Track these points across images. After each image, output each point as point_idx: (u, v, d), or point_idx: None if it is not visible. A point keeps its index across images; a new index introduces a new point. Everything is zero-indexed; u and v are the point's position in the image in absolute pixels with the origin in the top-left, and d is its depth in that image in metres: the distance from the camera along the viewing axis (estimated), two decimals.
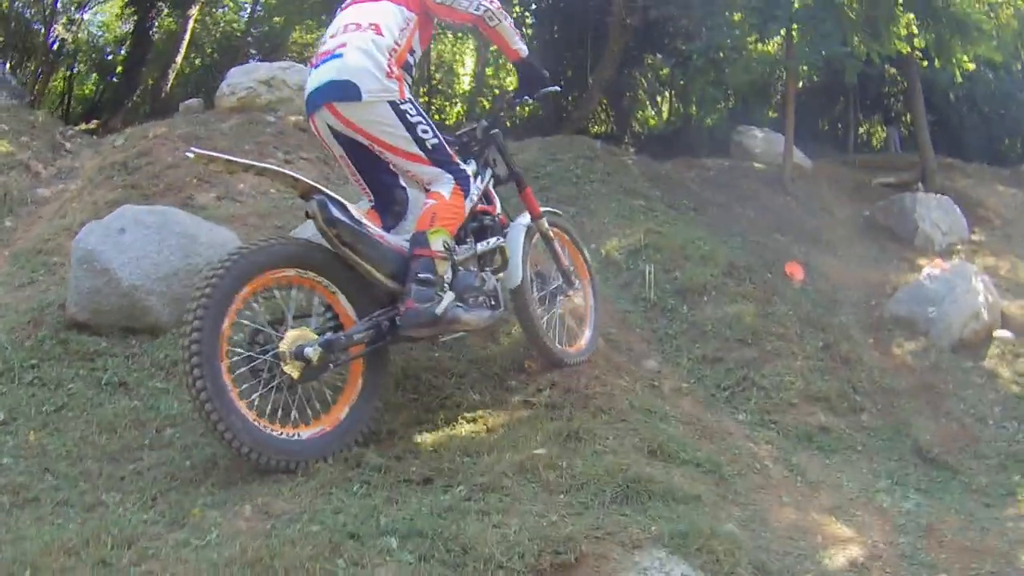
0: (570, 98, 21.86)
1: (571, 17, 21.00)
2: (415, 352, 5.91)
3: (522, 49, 5.33)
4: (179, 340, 4.39)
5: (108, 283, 5.75)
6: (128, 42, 25.12)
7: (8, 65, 22.55)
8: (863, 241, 12.74)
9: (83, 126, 14.84)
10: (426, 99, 28.69)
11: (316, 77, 4.83)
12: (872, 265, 11.62)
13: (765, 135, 16.25)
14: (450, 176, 4.89)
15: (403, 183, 5.33)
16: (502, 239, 5.45)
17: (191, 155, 4.30)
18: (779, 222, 12.09)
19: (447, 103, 29.60)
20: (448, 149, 4.97)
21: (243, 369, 4.35)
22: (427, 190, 4.92)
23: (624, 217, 10.51)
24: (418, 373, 5.77)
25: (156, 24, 24.14)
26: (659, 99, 26.97)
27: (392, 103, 4.69)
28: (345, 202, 4.59)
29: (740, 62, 14.94)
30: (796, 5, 12.31)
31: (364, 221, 4.69)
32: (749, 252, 10.34)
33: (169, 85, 22.50)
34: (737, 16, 13.92)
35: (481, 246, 5.29)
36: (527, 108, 25.16)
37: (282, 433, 4.33)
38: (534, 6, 22.78)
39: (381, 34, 4.76)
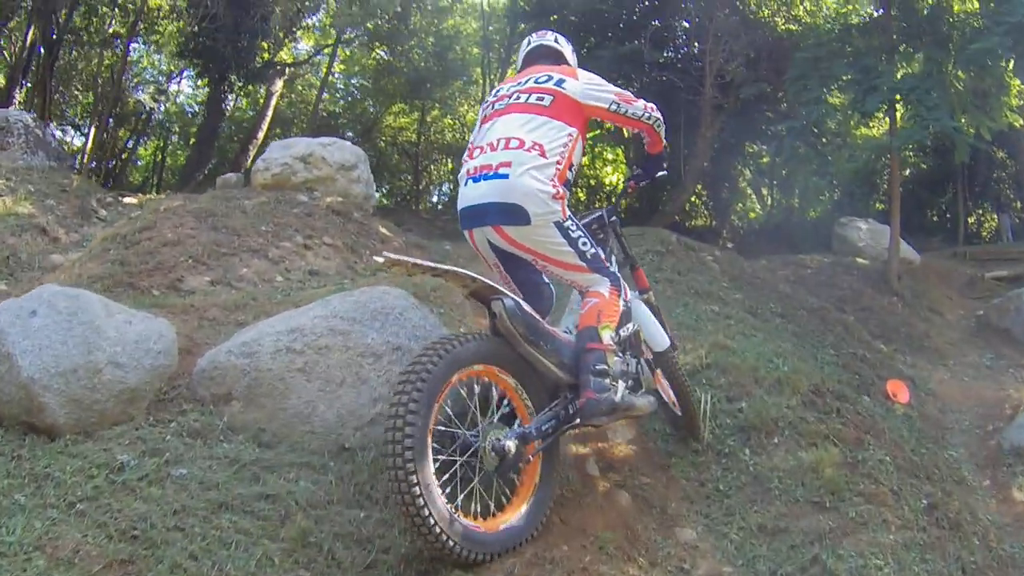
0: (667, 190, 20.80)
1: (661, 100, 19.86)
2: None
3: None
4: (386, 433, 4.10)
5: (9, 370, 5.06)
6: (201, 114, 25.25)
7: (92, 129, 22.85)
8: (976, 346, 11.16)
9: (125, 195, 14.36)
10: None
11: (477, 194, 4.84)
12: (987, 377, 9.95)
13: (870, 226, 15.12)
14: (607, 279, 5.05)
15: (547, 279, 5.41)
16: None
17: (380, 259, 4.40)
18: (882, 327, 10.57)
19: None
20: (602, 254, 5.13)
21: (442, 459, 4.32)
22: (586, 291, 5.07)
23: (689, 327, 8.92)
24: None
25: (230, 98, 23.99)
26: (763, 190, 25.68)
27: (557, 223, 4.79)
28: (522, 301, 4.70)
29: (844, 149, 13.73)
30: (897, 76, 10.96)
31: (540, 319, 4.80)
32: (842, 369, 8.74)
33: (250, 160, 22.29)
34: (836, 98, 12.68)
35: (623, 332, 5.26)
36: (624, 201, 24.49)
37: (479, 526, 4.36)
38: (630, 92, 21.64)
39: (545, 156, 4.74)
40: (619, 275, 5.29)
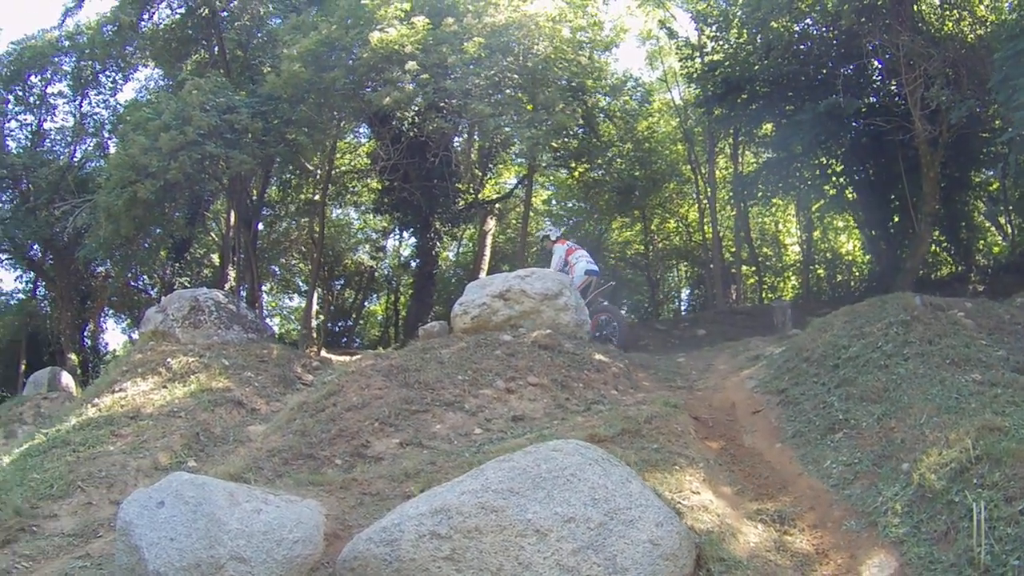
0: (904, 246, 19.08)
1: (878, 149, 18.52)
2: None
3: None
4: None
5: (138, 563, 5.00)
6: (413, 266, 25.73)
7: (315, 293, 23.71)
8: None
9: (336, 356, 14.38)
10: (755, 279, 26.97)
11: (590, 265, 13.84)
12: None
13: None
14: None
15: None
16: None
17: None
18: None
19: (778, 279, 27.96)
20: None
21: None
22: None
23: (949, 410, 7.20)
24: None
25: (439, 245, 24.29)
26: (1000, 219, 23.01)
27: None
28: None
29: None
30: None
31: None
32: None
33: None
34: None
35: None
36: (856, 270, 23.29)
37: None
38: (840, 151, 20.50)
39: None
40: None
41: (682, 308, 29.69)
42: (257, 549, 4.82)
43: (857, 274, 25.13)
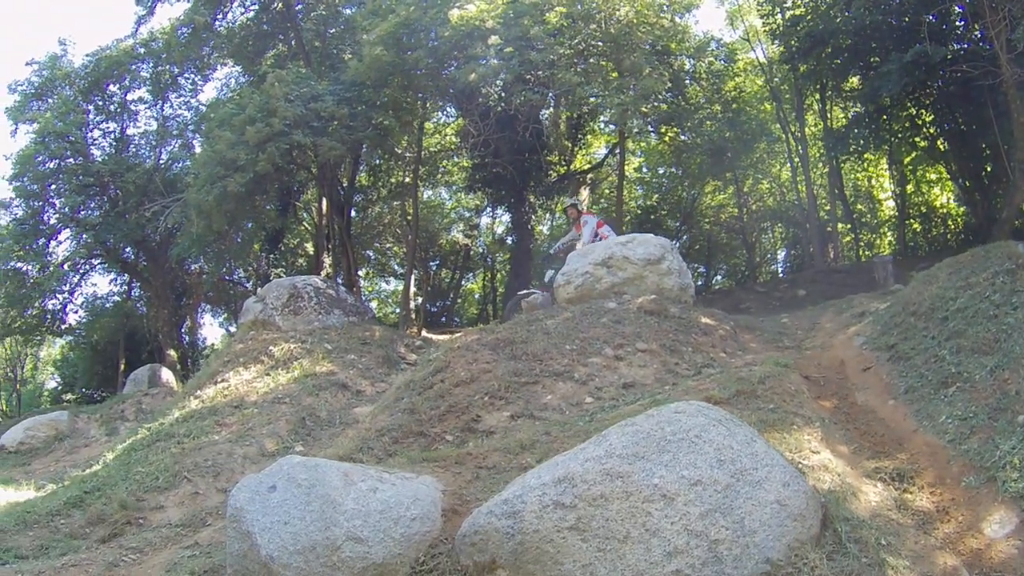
0: (998, 196, 18.07)
1: (966, 97, 17.44)
2: None
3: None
4: None
5: (250, 549, 4.95)
6: (509, 242, 25.65)
7: (411, 275, 23.81)
8: None
9: (437, 335, 14.33)
10: (851, 237, 26.21)
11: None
12: None
13: None
14: None
15: None
16: None
17: None
18: None
19: (874, 236, 27.08)
20: None
21: None
22: None
23: None
24: None
25: (533, 218, 24.11)
26: None
27: None
28: None
29: None
30: None
31: None
32: None
33: None
34: None
35: None
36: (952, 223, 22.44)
37: None
38: (929, 101, 19.65)
39: None
40: None
41: (779, 270, 29.02)
42: (374, 528, 4.68)
43: (953, 227, 24.12)
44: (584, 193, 23.98)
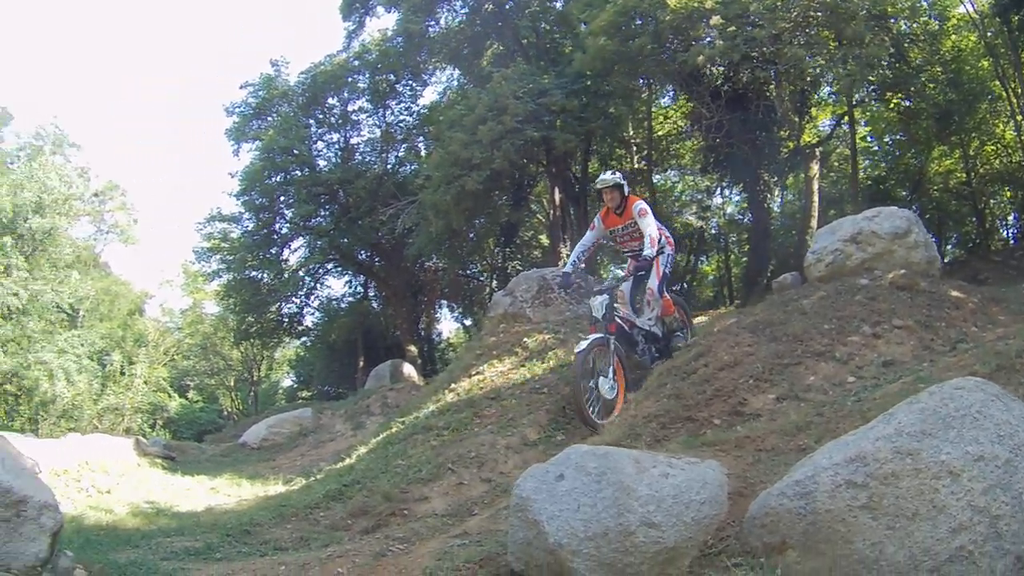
0: None
1: None
2: None
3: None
4: None
5: (537, 536, 5.24)
6: (745, 221, 25.35)
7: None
8: None
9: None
10: None
11: None
12: None
13: None
14: None
15: None
16: None
17: None
18: None
19: None
20: None
21: None
22: None
23: None
24: None
25: (768, 196, 23.79)
26: None
27: None
28: None
29: None
30: None
31: None
32: None
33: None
34: None
35: None
36: None
37: None
38: None
39: None
40: None
41: (1009, 236, 27.46)
42: (667, 513, 4.90)
43: None
44: (815, 167, 23.53)
